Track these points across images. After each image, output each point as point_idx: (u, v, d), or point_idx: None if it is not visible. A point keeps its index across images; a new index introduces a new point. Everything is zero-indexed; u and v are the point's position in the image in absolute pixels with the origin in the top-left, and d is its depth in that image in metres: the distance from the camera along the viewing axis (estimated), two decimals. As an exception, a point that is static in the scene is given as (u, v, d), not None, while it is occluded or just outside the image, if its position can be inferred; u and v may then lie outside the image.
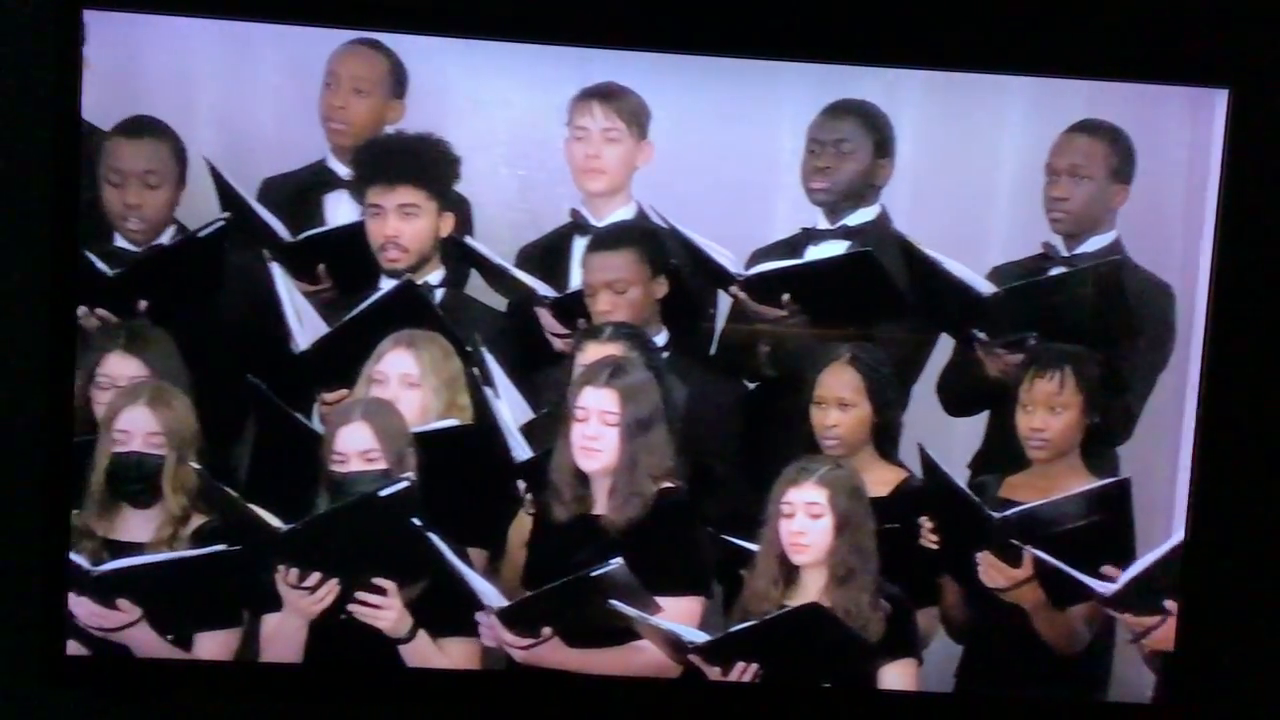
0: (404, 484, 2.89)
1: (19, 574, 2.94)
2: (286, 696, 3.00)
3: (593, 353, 2.99)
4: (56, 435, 2.88)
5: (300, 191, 3.02)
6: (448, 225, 3.03)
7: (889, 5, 3.00)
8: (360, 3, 2.94)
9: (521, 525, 3.05)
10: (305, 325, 2.99)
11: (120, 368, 2.93)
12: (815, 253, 3.09)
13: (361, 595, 2.91)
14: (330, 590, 2.90)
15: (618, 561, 2.89)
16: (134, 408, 2.90)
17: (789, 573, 2.99)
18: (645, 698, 3.01)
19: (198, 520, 2.94)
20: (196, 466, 2.91)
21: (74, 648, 2.91)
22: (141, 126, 2.93)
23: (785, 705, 3.00)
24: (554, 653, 2.96)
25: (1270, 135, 3.06)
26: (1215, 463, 3.04)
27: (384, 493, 2.89)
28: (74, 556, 2.88)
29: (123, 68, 2.91)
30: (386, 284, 3.03)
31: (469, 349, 3.00)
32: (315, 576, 2.89)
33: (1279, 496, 3.16)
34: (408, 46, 2.97)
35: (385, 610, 2.92)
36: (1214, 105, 3.00)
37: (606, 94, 3.01)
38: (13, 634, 2.98)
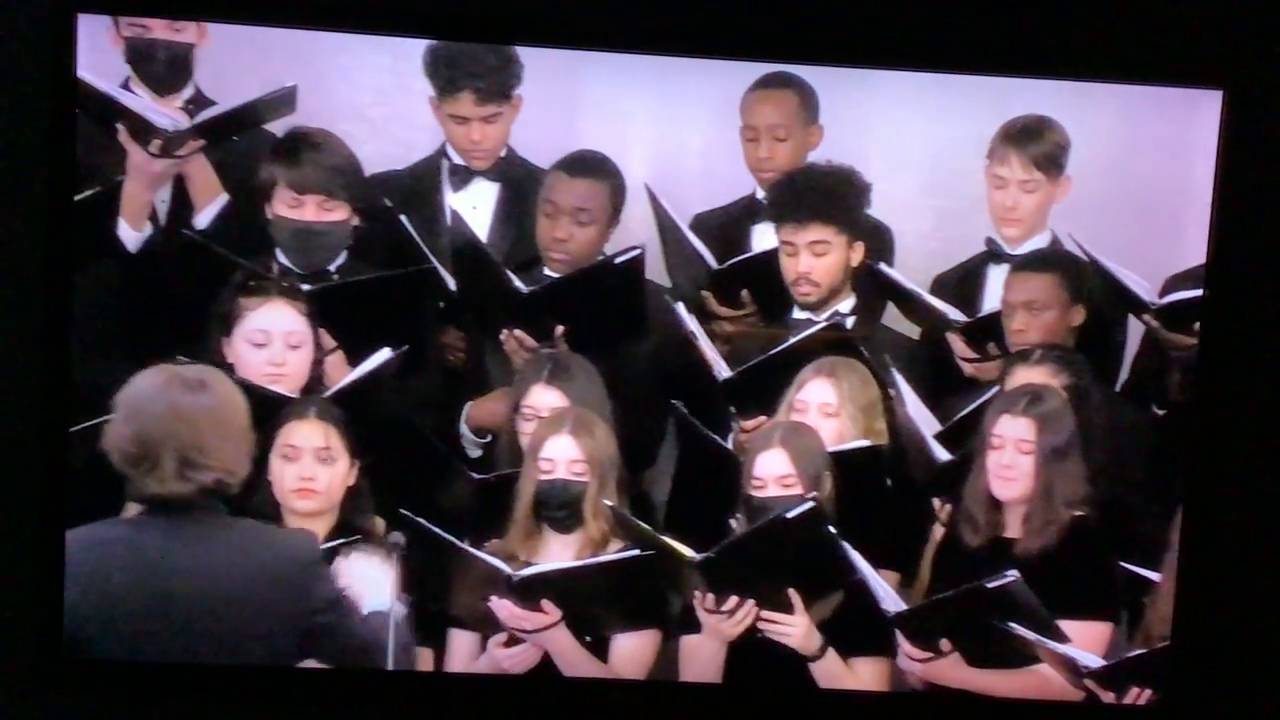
0: (810, 504, 2.93)
1: (16, 576, 2.96)
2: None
3: (1021, 376, 3.00)
4: (55, 437, 2.89)
5: (730, 223, 3.08)
6: (858, 255, 3.07)
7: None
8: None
9: (934, 547, 3.08)
10: (717, 357, 3.05)
11: (543, 399, 3.00)
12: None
13: (769, 614, 2.96)
14: (748, 613, 2.96)
15: (1013, 574, 2.91)
16: (558, 437, 2.96)
17: (1196, 595, 3.00)
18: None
19: (616, 545, 2.99)
20: (609, 504, 2.97)
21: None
22: (583, 165, 3.01)
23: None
24: (954, 670, 2.99)
25: (1265, 136, 3.01)
26: (1212, 463, 3.02)
27: (791, 513, 2.92)
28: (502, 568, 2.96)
29: (560, 103, 3.00)
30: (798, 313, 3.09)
31: (882, 374, 3.04)
32: (732, 600, 2.95)
33: (1276, 496, 3.12)
34: (828, 78, 3.00)
35: (793, 626, 2.97)
36: (1209, 106, 2.96)
37: (1024, 139, 3.01)
38: (10, 637, 3.00)
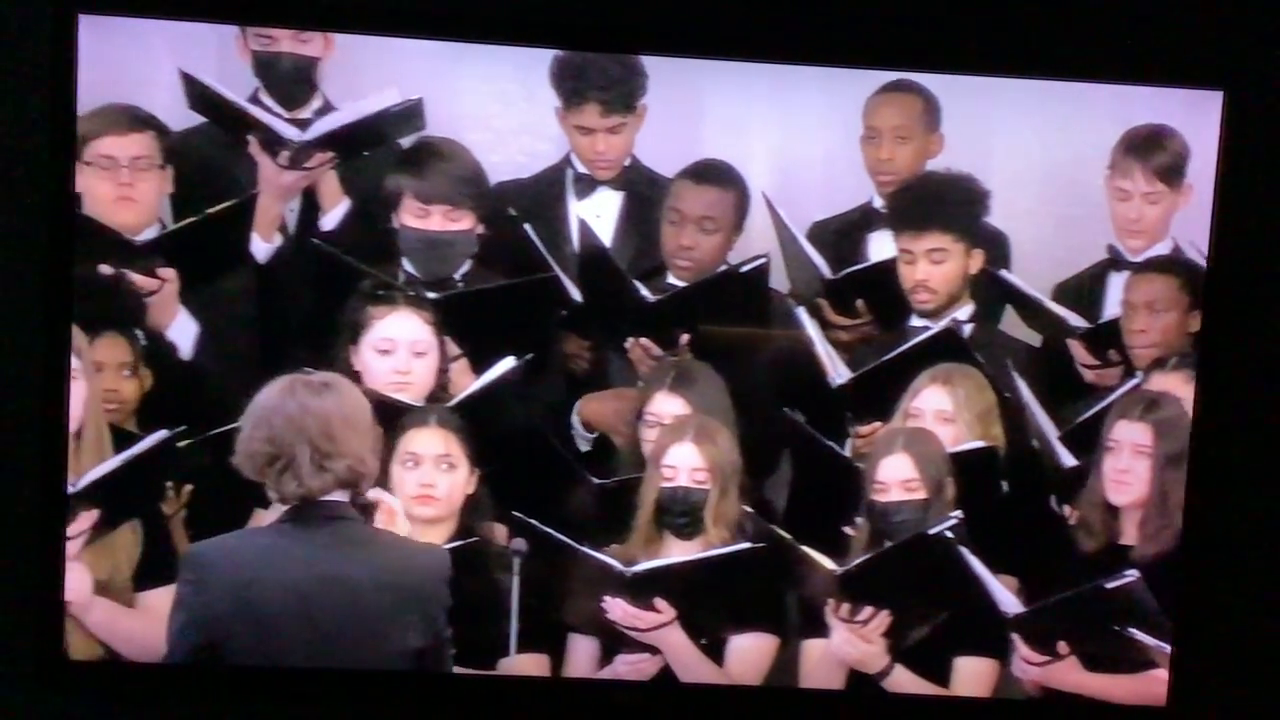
0: (954, 520, 2.96)
1: (16, 576, 2.97)
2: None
3: (1157, 382, 3.02)
4: (54, 440, 2.89)
5: (846, 230, 3.08)
6: (976, 262, 3.08)
7: None
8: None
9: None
10: (836, 363, 3.07)
11: (666, 406, 3.03)
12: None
13: (848, 630, 2.99)
14: (882, 623, 2.98)
15: (1133, 573, 2.94)
16: (681, 445, 2.99)
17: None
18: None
19: (734, 551, 3.03)
20: (749, 510, 3.00)
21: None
22: (708, 173, 3.02)
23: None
24: (1071, 674, 3.01)
25: (1266, 137, 3.02)
26: (1211, 464, 3.01)
27: (934, 530, 2.96)
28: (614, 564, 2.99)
29: (682, 113, 3.01)
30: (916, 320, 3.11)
31: (999, 380, 3.05)
32: (867, 610, 2.98)
33: (1276, 497, 3.14)
34: (948, 86, 3.01)
35: (867, 644, 3.01)
36: (1210, 107, 2.96)
37: (1146, 151, 3.01)
38: (10, 637, 3.01)
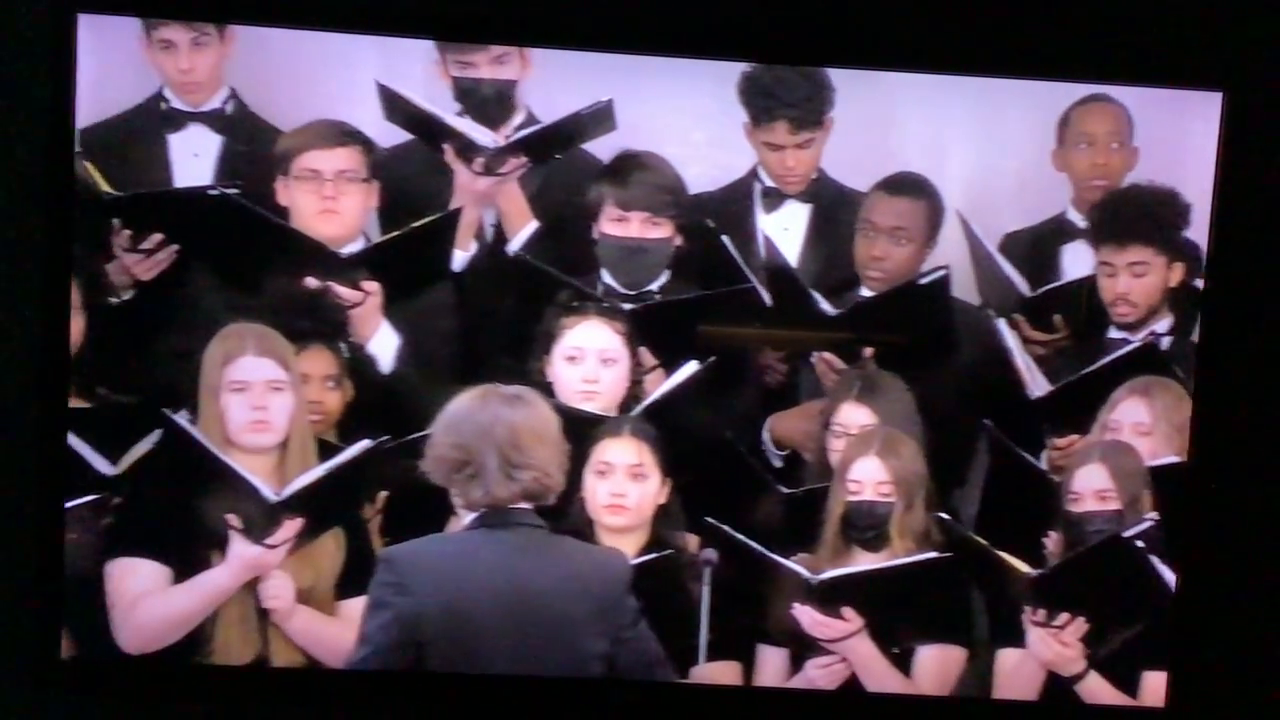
0: (1148, 523, 2.96)
1: (16, 577, 2.99)
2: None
3: None
4: (52, 438, 2.91)
5: (1040, 242, 3.08)
6: (1176, 275, 3.05)
7: None
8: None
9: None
10: (1034, 375, 3.06)
11: (853, 416, 3.04)
12: None
13: (1043, 629, 2.98)
14: (1079, 629, 2.98)
15: None
16: (865, 459, 3.00)
17: None
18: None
19: (921, 563, 3.04)
20: (944, 517, 3.00)
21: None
22: (902, 184, 3.03)
23: None
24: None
25: (1266, 138, 2.97)
26: (1210, 464, 3.00)
27: (1128, 533, 2.96)
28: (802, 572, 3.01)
29: (874, 125, 3.03)
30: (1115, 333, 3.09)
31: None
32: (1064, 615, 2.97)
33: (1274, 498, 3.13)
34: (1140, 99, 3.00)
35: (1064, 646, 2.99)
36: (1210, 108, 2.91)
37: None
38: (10, 637, 3.03)
